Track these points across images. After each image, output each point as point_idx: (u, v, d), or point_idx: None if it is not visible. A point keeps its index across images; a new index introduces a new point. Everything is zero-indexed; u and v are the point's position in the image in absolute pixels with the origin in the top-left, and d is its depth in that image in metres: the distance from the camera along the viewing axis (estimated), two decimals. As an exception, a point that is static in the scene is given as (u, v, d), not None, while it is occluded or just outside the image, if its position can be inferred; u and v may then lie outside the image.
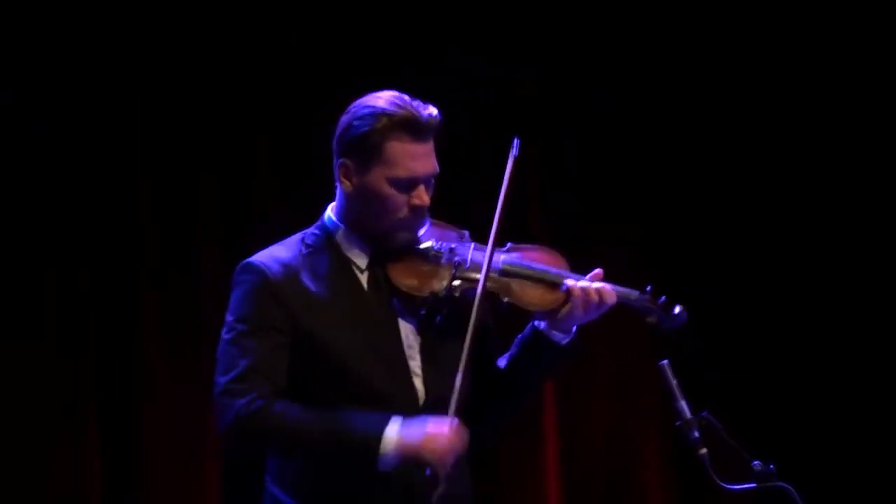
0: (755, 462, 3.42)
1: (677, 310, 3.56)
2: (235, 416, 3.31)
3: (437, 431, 3.28)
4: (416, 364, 3.44)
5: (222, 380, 3.36)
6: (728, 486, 3.39)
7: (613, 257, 5.89)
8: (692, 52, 5.93)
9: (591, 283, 3.49)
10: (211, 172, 5.38)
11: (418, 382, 3.43)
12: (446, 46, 5.61)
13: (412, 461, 3.28)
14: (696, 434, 3.43)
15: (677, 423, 3.47)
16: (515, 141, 3.47)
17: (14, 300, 5.11)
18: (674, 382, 3.49)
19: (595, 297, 3.47)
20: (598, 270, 3.52)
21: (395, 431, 3.29)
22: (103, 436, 5.17)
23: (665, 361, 3.51)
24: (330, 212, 3.52)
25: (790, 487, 3.41)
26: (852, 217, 5.92)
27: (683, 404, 3.47)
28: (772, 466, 3.41)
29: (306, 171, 5.43)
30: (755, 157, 5.96)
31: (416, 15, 5.60)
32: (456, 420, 3.30)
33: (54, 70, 5.16)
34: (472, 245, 3.50)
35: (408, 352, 3.44)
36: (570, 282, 3.48)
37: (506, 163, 3.48)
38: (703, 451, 3.42)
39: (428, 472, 3.28)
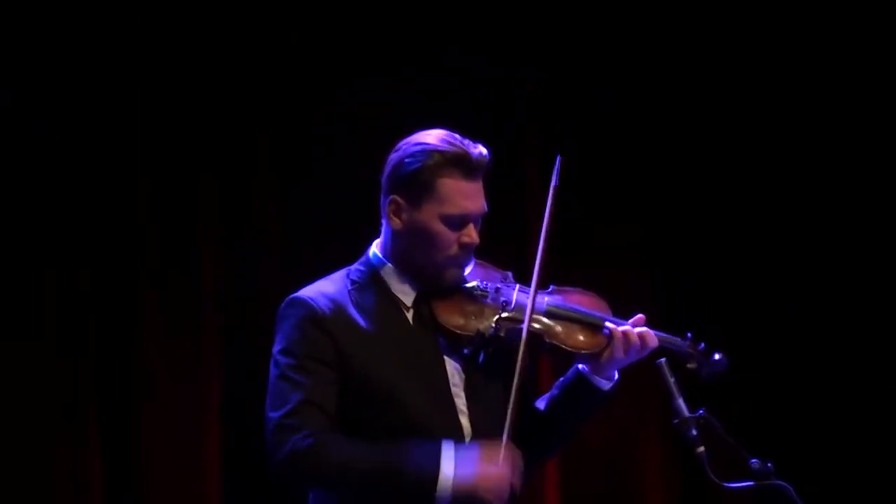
0: (753, 460, 3.42)
1: (717, 356, 3.60)
2: (289, 454, 3.31)
3: (491, 470, 3.31)
4: (461, 402, 3.44)
5: (274, 415, 3.35)
6: (726, 485, 3.39)
7: (613, 258, 5.92)
8: (692, 53, 5.93)
9: (632, 328, 3.51)
10: (211, 172, 5.38)
11: (464, 420, 3.43)
12: (446, 46, 5.61)
13: (468, 500, 3.30)
14: (694, 432, 3.43)
15: (675, 422, 3.47)
16: (555, 170, 3.48)
17: (14, 300, 5.11)
18: (671, 380, 3.49)
19: (637, 341, 3.49)
20: (640, 316, 3.55)
21: (449, 471, 3.30)
22: (103, 436, 5.17)
23: (663, 360, 3.51)
24: (375, 248, 3.52)
25: (788, 486, 3.41)
26: (852, 217, 5.92)
27: (681, 402, 3.47)
28: (769, 465, 3.41)
29: (306, 171, 5.45)
30: (755, 157, 5.96)
31: (416, 15, 5.60)
32: (509, 449, 3.33)
33: (54, 70, 5.16)
34: (517, 286, 3.52)
35: (453, 389, 3.45)
36: (611, 325, 3.51)
37: (546, 197, 3.49)
38: (701, 449, 3.41)
39: None
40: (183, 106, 5.33)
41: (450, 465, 3.31)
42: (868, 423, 5.87)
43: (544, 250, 3.46)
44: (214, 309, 5.34)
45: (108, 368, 5.20)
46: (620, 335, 3.49)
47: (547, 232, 3.48)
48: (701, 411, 3.45)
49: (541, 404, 3.59)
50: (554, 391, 3.58)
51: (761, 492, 3.39)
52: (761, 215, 5.96)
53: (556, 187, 3.49)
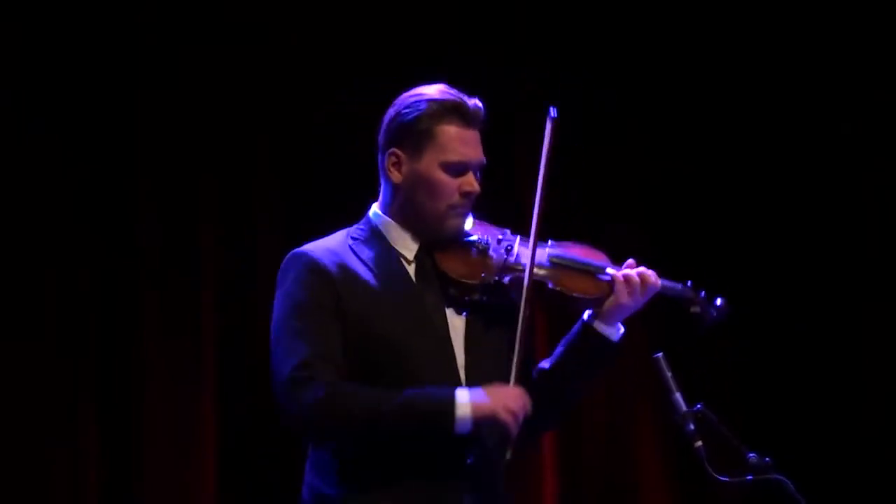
0: (751, 454, 3.42)
1: (719, 302, 3.67)
2: (305, 408, 3.30)
3: (507, 392, 3.34)
4: (461, 357, 3.45)
5: (285, 370, 3.33)
6: (723, 479, 3.39)
7: (613, 257, 5.90)
8: (692, 53, 5.93)
9: (632, 270, 3.53)
10: (211, 172, 5.39)
11: (462, 374, 3.44)
12: (446, 46, 5.62)
13: (486, 420, 3.31)
14: (692, 427, 3.43)
15: (673, 417, 3.47)
16: (552, 109, 3.53)
17: (14, 300, 5.12)
18: (668, 375, 3.49)
19: (637, 281, 3.52)
20: (630, 260, 3.58)
21: (465, 397, 3.31)
22: (103, 436, 5.17)
23: (660, 354, 3.52)
24: (375, 208, 3.53)
25: (785, 480, 3.41)
26: (854, 216, 5.92)
27: (678, 397, 3.47)
28: (767, 459, 3.41)
29: (306, 171, 5.46)
30: (755, 156, 5.96)
31: (416, 15, 5.61)
32: (517, 387, 3.36)
33: (54, 70, 5.17)
34: (518, 237, 3.54)
35: (454, 341, 3.45)
36: (611, 270, 3.54)
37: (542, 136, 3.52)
38: (699, 443, 3.41)
39: (470, 460, 3.34)
40: (183, 106, 5.34)
41: (465, 392, 3.33)
42: (867, 420, 5.87)
43: (542, 198, 3.47)
44: (214, 309, 5.34)
45: (108, 368, 5.21)
46: (621, 278, 3.52)
47: (545, 179, 3.49)
48: (699, 406, 3.45)
49: (545, 364, 3.58)
50: (559, 349, 3.58)
51: (759, 486, 3.39)
52: (762, 216, 5.96)
53: (554, 119, 3.52)
